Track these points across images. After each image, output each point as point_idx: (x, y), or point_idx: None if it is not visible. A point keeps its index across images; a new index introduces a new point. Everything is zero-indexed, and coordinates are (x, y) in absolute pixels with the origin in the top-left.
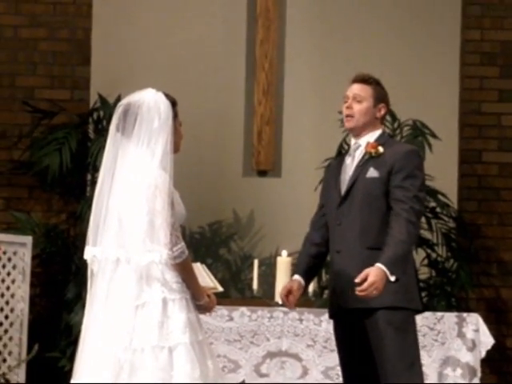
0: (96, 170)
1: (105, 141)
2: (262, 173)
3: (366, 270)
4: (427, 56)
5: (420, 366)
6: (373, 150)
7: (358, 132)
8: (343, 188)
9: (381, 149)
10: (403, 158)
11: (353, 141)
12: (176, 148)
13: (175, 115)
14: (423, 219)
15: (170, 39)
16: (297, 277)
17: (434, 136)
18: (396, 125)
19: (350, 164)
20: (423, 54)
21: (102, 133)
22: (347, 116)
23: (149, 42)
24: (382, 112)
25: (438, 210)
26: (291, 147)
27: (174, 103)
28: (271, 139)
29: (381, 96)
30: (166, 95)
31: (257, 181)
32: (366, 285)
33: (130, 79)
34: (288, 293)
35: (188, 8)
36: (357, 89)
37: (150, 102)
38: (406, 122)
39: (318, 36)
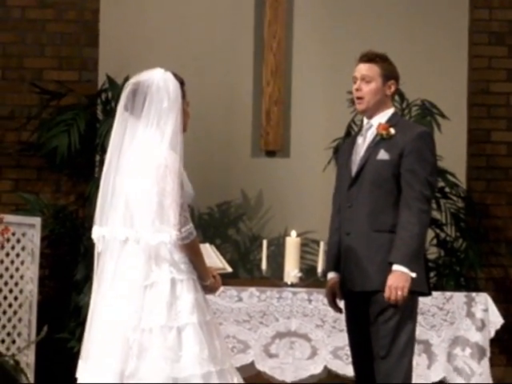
0: (104, 151)
1: (113, 122)
2: (271, 153)
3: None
4: (436, 36)
5: (412, 349)
6: (384, 132)
7: (370, 113)
8: (354, 169)
9: (392, 130)
10: (414, 140)
11: (365, 120)
12: (184, 128)
13: (183, 95)
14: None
15: (178, 20)
16: (331, 275)
17: (442, 116)
18: (404, 105)
19: (362, 144)
20: (432, 33)
21: (111, 114)
22: (358, 98)
23: (156, 22)
24: (392, 89)
25: (447, 189)
26: (300, 127)
27: (182, 83)
28: (279, 119)
29: (389, 73)
30: (175, 75)
31: (265, 161)
32: (386, 292)
33: (138, 60)
34: (333, 298)
35: None
36: (364, 69)
37: (160, 82)
38: (415, 102)
39: (325, 16)
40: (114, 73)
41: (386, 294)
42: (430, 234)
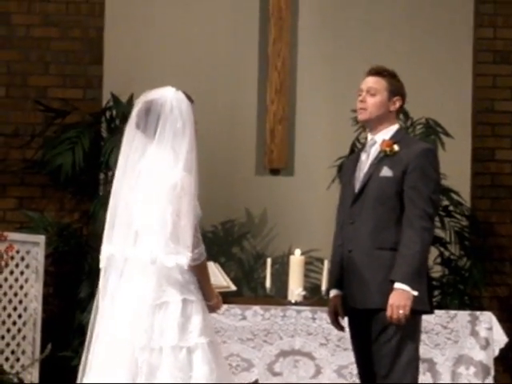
0: (109, 168)
1: (118, 140)
2: (275, 171)
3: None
4: (440, 54)
5: (417, 368)
6: (388, 149)
7: (372, 126)
8: (357, 186)
9: (396, 147)
10: (418, 157)
11: (369, 136)
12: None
13: (193, 114)
14: (436, 217)
15: (182, 38)
16: (333, 292)
17: (446, 134)
18: (409, 123)
19: (365, 161)
20: (436, 52)
21: (115, 132)
22: (360, 109)
23: (161, 41)
24: (397, 105)
25: (451, 208)
26: (304, 146)
27: (191, 102)
28: (284, 138)
29: (396, 89)
30: (185, 94)
31: (269, 179)
32: (388, 311)
33: (143, 78)
34: (335, 316)
35: (201, 7)
36: (371, 81)
37: (173, 101)
38: (419, 121)
39: (329, 35)
40: (119, 91)
41: (388, 312)
42: (434, 252)
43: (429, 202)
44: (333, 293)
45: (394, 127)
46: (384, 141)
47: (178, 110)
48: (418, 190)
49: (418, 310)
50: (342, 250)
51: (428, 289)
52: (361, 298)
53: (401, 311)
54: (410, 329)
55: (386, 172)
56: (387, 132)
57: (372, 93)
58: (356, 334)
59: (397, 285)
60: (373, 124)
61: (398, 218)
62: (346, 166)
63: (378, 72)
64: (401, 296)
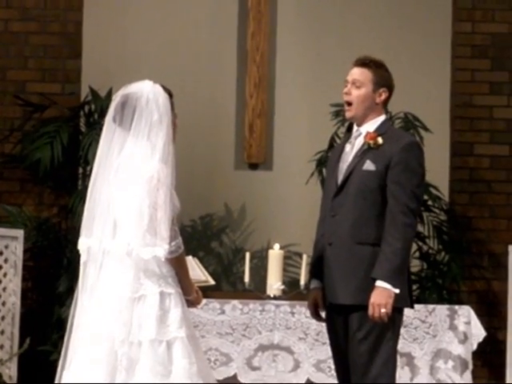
0: (87, 163)
1: (96, 134)
2: (254, 166)
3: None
4: (418, 49)
5: (395, 364)
6: (371, 142)
7: (359, 121)
8: (340, 178)
9: (380, 140)
10: (402, 151)
11: (355, 127)
12: (173, 140)
13: (172, 107)
14: None
15: (161, 32)
16: (314, 283)
17: (425, 129)
18: (387, 117)
19: (349, 152)
20: (414, 46)
21: (94, 126)
22: (346, 103)
23: (140, 35)
24: (383, 97)
25: (430, 202)
26: (283, 140)
27: (170, 95)
28: (263, 132)
29: (382, 80)
30: (163, 87)
31: (248, 174)
32: (370, 309)
33: (121, 72)
34: (314, 308)
35: (179, 1)
36: (356, 73)
37: (149, 95)
38: (398, 115)
39: (309, 29)
40: (97, 85)
41: (370, 311)
42: (413, 246)
43: (412, 197)
44: (313, 284)
45: (380, 118)
46: (368, 133)
47: (155, 104)
48: (402, 185)
49: (398, 307)
50: (322, 241)
51: (408, 284)
52: (340, 293)
53: (383, 310)
54: (389, 325)
55: (368, 166)
56: (373, 124)
57: (357, 85)
58: (333, 328)
59: (378, 283)
60: (360, 118)
61: (379, 213)
62: (331, 157)
63: (363, 63)
64: (382, 294)
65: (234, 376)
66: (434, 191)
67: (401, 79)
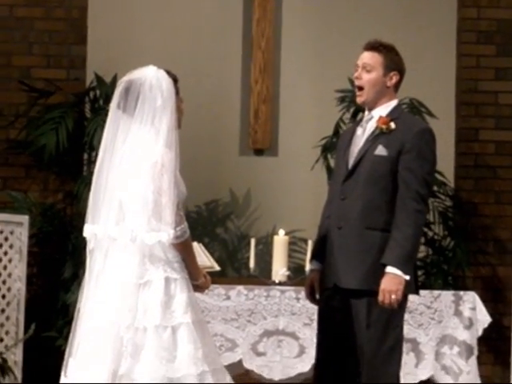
0: (92, 149)
1: (102, 120)
2: (259, 152)
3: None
4: (424, 34)
5: (401, 350)
6: (384, 126)
7: (371, 105)
8: (351, 162)
9: (392, 125)
10: (415, 138)
11: (366, 111)
12: (177, 125)
13: (177, 92)
14: None
15: (166, 18)
16: (314, 265)
17: (430, 114)
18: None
19: (361, 136)
20: (420, 32)
21: (99, 112)
22: (357, 88)
23: (145, 21)
24: (394, 80)
25: (435, 188)
26: (288, 126)
27: (175, 80)
28: (268, 118)
29: (392, 64)
30: (168, 72)
31: (253, 160)
32: (380, 296)
33: (127, 58)
34: (311, 289)
35: None
36: (366, 57)
37: (152, 80)
38: (403, 101)
39: (314, 14)
40: (102, 71)
41: (380, 297)
42: None
43: (423, 183)
44: (313, 265)
45: (393, 103)
46: (381, 117)
47: (159, 89)
48: (413, 172)
49: (405, 294)
50: (329, 223)
51: (414, 270)
52: (347, 277)
53: (393, 296)
54: (396, 312)
55: (380, 151)
56: (385, 108)
57: (368, 69)
58: (328, 312)
59: (389, 269)
60: (371, 102)
61: (390, 199)
62: (341, 139)
63: (373, 47)
64: (393, 281)
65: (240, 362)
66: (439, 177)
67: (406, 65)
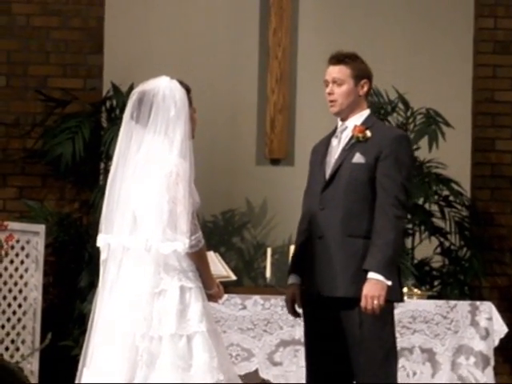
0: (109, 158)
1: (118, 129)
2: (275, 161)
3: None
4: (441, 44)
5: (396, 356)
6: (360, 135)
7: (345, 115)
8: (328, 171)
9: (368, 133)
10: (392, 144)
11: (339, 122)
12: (191, 135)
13: (190, 102)
14: (436, 207)
15: (182, 27)
16: (292, 279)
17: (447, 124)
18: (409, 113)
19: (336, 146)
20: (437, 42)
21: (115, 121)
22: (330, 101)
23: (161, 30)
24: (365, 88)
25: (451, 198)
26: (304, 135)
27: (188, 90)
28: (284, 127)
29: (360, 73)
30: (181, 82)
31: (270, 169)
32: (363, 301)
33: (143, 67)
34: (292, 304)
35: None
36: (334, 71)
37: (166, 90)
38: (420, 111)
39: (330, 24)
40: (119, 80)
41: (363, 303)
42: (435, 242)
43: (402, 188)
44: (292, 279)
45: (365, 112)
46: (356, 126)
47: (172, 99)
48: (392, 178)
49: (390, 300)
50: (307, 235)
51: (397, 277)
52: (331, 287)
53: (375, 302)
54: (386, 318)
55: (358, 158)
56: (358, 117)
57: (338, 83)
58: (314, 326)
59: (371, 274)
60: (345, 113)
61: (370, 206)
62: (315, 151)
63: (339, 60)
64: (375, 286)
65: (256, 371)
66: (455, 187)
67: (423, 75)
